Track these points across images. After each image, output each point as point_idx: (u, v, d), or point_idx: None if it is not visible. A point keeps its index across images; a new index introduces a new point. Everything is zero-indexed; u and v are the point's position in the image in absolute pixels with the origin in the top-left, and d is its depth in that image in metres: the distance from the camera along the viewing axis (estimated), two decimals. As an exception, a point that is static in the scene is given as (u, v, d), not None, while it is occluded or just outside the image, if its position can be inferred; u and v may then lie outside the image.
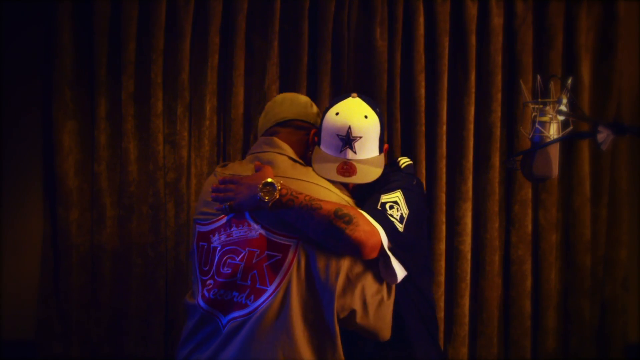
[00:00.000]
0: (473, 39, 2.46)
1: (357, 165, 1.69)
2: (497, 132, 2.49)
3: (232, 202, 1.68)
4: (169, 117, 2.48)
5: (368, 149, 1.71)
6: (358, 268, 1.65)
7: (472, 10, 2.46)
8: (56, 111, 2.42)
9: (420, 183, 1.83)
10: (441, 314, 2.48)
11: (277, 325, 1.62)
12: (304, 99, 1.96)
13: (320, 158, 1.74)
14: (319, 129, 1.80)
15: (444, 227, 2.47)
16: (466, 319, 2.49)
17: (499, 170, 2.50)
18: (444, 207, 2.47)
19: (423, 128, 2.45)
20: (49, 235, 2.46)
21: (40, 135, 2.48)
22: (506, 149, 2.54)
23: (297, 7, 2.44)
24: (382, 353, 1.80)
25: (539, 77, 1.84)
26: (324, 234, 1.58)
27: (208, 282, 1.74)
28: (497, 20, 2.47)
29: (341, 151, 1.70)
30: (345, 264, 1.63)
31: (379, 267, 1.67)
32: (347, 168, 1.69)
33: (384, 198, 1.64)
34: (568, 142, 2.50)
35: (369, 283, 1.66)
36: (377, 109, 1.75)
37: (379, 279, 1.68)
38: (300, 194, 1.62)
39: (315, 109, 1.94)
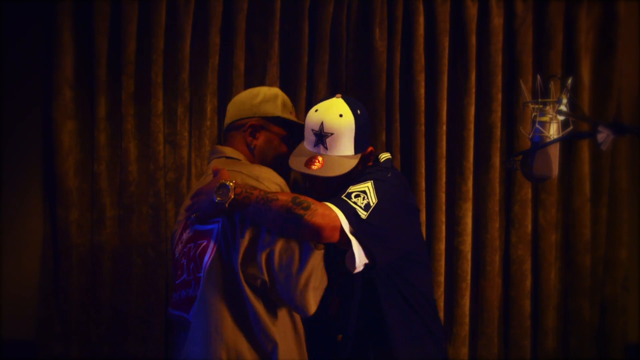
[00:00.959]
0: (473, 39, 2.46)
1: (325, 160, 1.73)
2: (497, 132, 2.49)
3: (197, 213, 1.72)
4: (169, 117, 2.48)
5: (340, 146, 1.74)
6: (268, 238, 1.64)
7: (472, 10, 2.46)
8: (56, 111, 2.42)
9: (399, 175, 1.83)
10: (441, 314, 2.48)
11: (208, 305, 1.66)
12: (245, 94, 1.97)
13: (298, 152, 1.81)
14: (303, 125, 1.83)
15: (444, 227, 2.47)
16: (466, 319, 2.48)
17: (499, 170, 2.50)
18: (444, 207, 2.47)
19: (423, 128, 2.45)
20: (49, 235, 2.46)
21: (40, 135, 2.48)
22: (506, 149, 2.54)
23: (297, 7, 2.44)
24: (363, 355, 1.79)
25: (539, 77, 1.84)
26: (284, 223, 1.59)
27: (175, 289, 1.82)
28: (497, 21, 2.47)
29: (314, 146, 1.75)
30: (249, 234, 1.64)
31: (345, 257, 1.65)
32: (314, 161, 1.74)
33: (352, 188, 1.66)
34: (568, 142, 2.50)
35: (277, 254, 1.63)
36: (358, 111, 1.77)
37: (289, 250, 1.64)
38: (255, 189, 1.64)
39: (259, 98, 1.93)
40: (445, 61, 2.46)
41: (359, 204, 1.62)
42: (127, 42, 2.42)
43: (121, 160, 2.46)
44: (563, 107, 1.69)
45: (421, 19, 2.45)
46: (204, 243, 1.70)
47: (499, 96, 2.48)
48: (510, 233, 2.53)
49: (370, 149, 1.83)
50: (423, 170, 2.46)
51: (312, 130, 1.75)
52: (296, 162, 1.78)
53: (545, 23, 2.49)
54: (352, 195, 1.63)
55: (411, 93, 2.45)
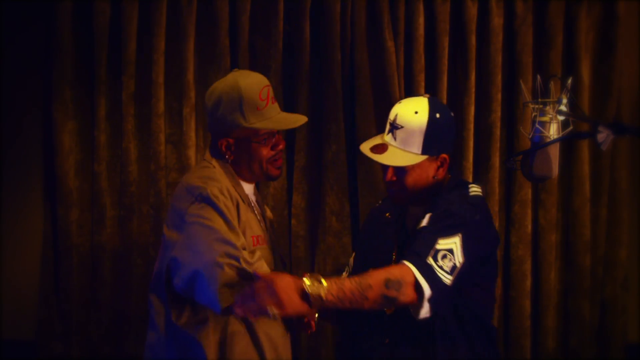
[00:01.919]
0: (473, 39, 2.46)
1: (390, 149, 1.73)
2: (497, 132, 2.49)
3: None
4: (170, 117, 2.48)
5: (407, 141, 1.72)
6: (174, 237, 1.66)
7: (472, 11, 2.46)
8: (56, 111, 2.42)
9: (487, 214, 1.76)
10: (441, 314, 2.48)
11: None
12: (208, 97, 1.81)
13: (374, 137, 1.83)
14: None
15: (444, 227, 2.47)
16: (466, 319, 2.48)
17: (499, 170, 2.50)
18: (444, 207, 2.47)
19: (423, 128, 2.45)
20: (49, 235, 2.46)
21: (40, 135, 2.48)
22: (506, 149, 2.54)
23: (299, 8, 2.45)
24: None
25: (539, 77, 1.84)
26: (380, 307, 1.61)
27: None
28: (497, 21, 2.47)
29: (387, 133, 1.77)
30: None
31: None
32: (380, 148, 1.75)
33: (440, 243, 1.60)
34: (568, 142, 2.50)
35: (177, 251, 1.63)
36: (437, 114, 1.72)
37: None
38: (343, 284, 1.52)
39: (221, 107, 1.75)
40: (445, 61, 2.46)
41: (445, 268, 1.58)
42: (127, 42, 2.42)
43: (121, 160, 2.46)
44: (563, 107, 1.69)
45: (421, 19, 2.45)
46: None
47: (499, 96, 2.48)
48: (510, 233, 2.53)
49: (443, 155, 1.76)
50: (423, 170, 2.46)
51: (389, 118, 1.77)
52: (366, 145, 1.79)
53: (545, 23, 2.50)
54: (439, 257, 1.58)
55: (411, 93, 2.45)
